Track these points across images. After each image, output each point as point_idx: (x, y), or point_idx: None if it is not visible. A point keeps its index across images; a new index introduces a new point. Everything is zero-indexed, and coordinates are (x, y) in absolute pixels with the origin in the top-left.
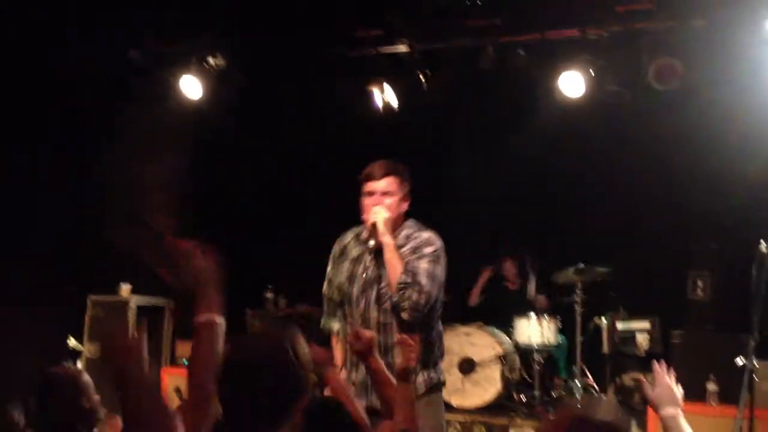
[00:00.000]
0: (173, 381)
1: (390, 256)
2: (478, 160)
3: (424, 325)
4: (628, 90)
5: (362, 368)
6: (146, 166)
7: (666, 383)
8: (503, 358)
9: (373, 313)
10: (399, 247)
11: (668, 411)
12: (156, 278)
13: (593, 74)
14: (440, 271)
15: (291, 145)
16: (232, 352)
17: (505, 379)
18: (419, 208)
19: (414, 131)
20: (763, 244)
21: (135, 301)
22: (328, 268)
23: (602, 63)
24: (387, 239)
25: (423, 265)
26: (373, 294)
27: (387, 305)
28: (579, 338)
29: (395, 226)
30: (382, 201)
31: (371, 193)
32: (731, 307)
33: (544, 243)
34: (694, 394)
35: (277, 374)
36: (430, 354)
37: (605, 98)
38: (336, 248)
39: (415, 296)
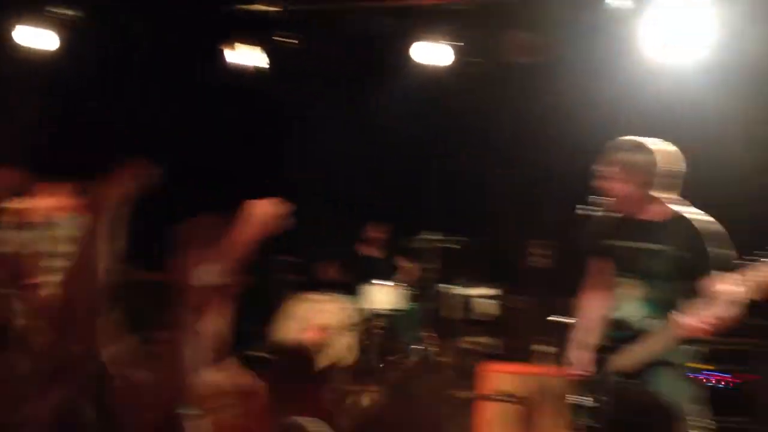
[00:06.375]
0: None
1: None
2: (336, 128)
3: None
4: (486, 61)
5: None
6: None
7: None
8: (349, 325)
9: None
10: None
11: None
12: None
13: (453, 44)
14: None
15: (145, 107)
16: None
17: (348, 344)
18: (275, 178)
19: (272, 96)
20: (581, 208)
21: None
22: None
23: (461, 34)
24: None
25: None
26: None
27: None
28: (424, 305)
29: None
30: None
31: None
32: (568, 273)
33: (400, 213)
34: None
35: None
36: None
37: (464, 69)
38: None
39: None
